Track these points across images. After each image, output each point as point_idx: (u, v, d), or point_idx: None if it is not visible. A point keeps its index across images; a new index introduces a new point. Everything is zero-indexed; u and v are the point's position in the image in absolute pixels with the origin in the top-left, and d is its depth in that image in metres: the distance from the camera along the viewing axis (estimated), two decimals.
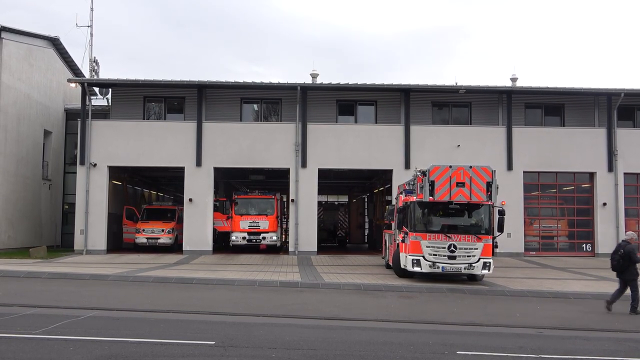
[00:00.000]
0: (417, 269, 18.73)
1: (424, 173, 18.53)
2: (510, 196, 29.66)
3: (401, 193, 21.61)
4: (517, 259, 28.92)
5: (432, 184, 18.12)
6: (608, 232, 30.12)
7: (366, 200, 46.43)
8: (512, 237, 29.76)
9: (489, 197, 18.27)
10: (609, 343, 10.95)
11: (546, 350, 9.88)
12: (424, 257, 18.61)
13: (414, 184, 19.72)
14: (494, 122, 31.52)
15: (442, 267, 18.58)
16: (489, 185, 18.16)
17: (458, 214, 18.94)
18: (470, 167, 18.31)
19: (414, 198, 19.23)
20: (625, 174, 30.42)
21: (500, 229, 19.28)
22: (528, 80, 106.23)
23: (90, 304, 13.32)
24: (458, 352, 9.46)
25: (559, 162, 30.33)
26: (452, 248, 18.49)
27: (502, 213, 19.38)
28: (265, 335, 10.45)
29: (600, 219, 30.26)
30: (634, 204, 31.10)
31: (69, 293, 15.29)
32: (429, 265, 18.56)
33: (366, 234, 45.68)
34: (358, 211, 46.82)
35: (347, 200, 51.42)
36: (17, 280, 17.79)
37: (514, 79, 34.41)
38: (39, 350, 8.87)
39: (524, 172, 30.31)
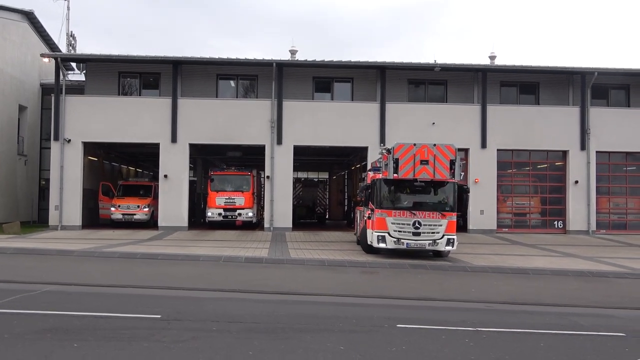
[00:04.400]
0: (382, 245, 18.96)
1: (388, 151, 18.69)
2: (484, 174, 30.16)
3: (370, 170, 21.78)
4: (489, 235, 29.27)
5: (396, 161, 18.29)
6: (580, 209, 30.55)
7: (346, 177, 46.61)
8: (485, 214, 30.14)
9: (452, 175, 18.45)
10: (552, 317, 11.21)
11: (486, 324, 10.11)
12: (389, 233, 18.83)
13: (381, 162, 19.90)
14: (469, 100, 31.66)
15: (407, 244, 18.82)
16: (452, 163, 18.34)
17: (423, 192, 19.13)
18: (434, 145, 18.48)
19: (380, 175, 19.41)
20: (597, 152, 30.74)
21: (464, 206, 19.59)
22: (507, 58, 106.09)
23: (48, 279, 13.44)
24: (398, 325, 9.67)
25: (532, 140, 30.58)
26: (416, 225, 18.71)
27: (466, 191, 19.65)
28: (214, 310, 10.63)
29: (572, 196, 30.62)
30: (606, 182, 31.50)
31: (30, 268, 15.41)
32: (394, 241, 18.79)
33: (346, 210, 45.91)
34: (338, 188, 47.04)
35: (327, 177, 51.60)
36: None
37: (492, 57, 34.57)
38: None
39: (498, 149, 30.55)
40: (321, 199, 43.04)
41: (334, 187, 47.49)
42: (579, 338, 9.36)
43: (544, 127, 30.50)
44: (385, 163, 18.74)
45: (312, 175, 53.97)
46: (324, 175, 52.94)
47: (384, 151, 19.18)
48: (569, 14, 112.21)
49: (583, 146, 30.56)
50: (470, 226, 30.09)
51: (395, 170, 18.33)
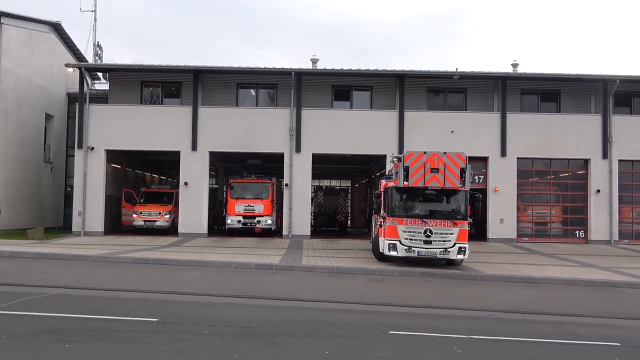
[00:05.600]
0: (393, 253, 18.98)
1: (399, 159, 18.73)
2: (503, 182, 29.95)
3: (383, 179, 21.84)
4: (508, 244, 29.01)
5: (406, 169, 18.32)
6: (602, 219, 30.12)
7: (367, 185, 46.63)
8: (505, 223, 29.91)
9: (463, 183, 18.41)
10: (551, 326, 11.15)
11: (481, 332, 10.11)
12: (400, 241, 18.83)
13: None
14: (489, 108, 31.49)
15: (418, 252, 18.80)
16: (462, 171, 18.30)
17: (434, 200, 19.11)
18: (445, 153, 18.46)
19: (391, 184, 19.45)
20: (620, 160, 30.30)
21: (477, 214, 19.55)
22: (530, 66, 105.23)
23: (58, 283, 13.79)
24: (390, 332, 9.72)
25: (553, 148, 30.28)
26: (427, 233, 18.68)
27: (478, 199, 19.59)
28: (212, 314, 10.82)
29: (594, 205, 30.21)
30: (628, 191, 30.98)
31: (43, 272, 15.80)
32: (405, 249, 18.79)
33: (367, 218, 45.89)
34: (360, 196, 47.05)
35: (350, 185, 51.68)
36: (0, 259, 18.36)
37: (515, 65, 34.45)
38: None
39: (518, 158, 30.30)
40: (343, 207, 43.07)
41: (356, 195, 47.54)
42: (571, 347, 9.31)
43: (565, 135, 30.19)
44: (396, 171, 18.79)
45: (335, 183, 54.11)
46: (347, 183, 53.01)
47: (394, 159, 19.23)
48: (592, 21, 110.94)
49: (605, 154, 30.16)
50: (490, 235, 29.90)
51: (406, 178, 18.36)
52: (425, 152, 18.46)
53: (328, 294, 14.09)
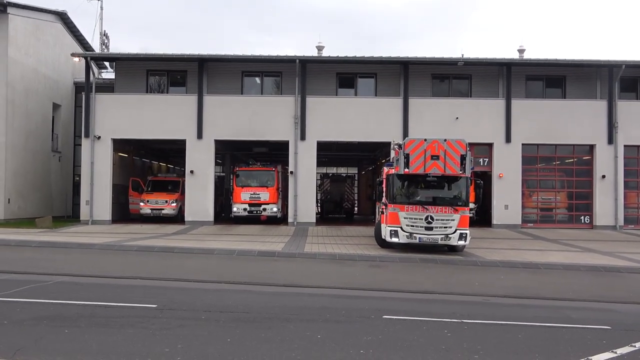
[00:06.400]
0: (394, 239, 19.15)
1: (400, 146, 18.86)
2: (508, 168, 30.00)
3: (385, 166, 21.97)
4: (513, 230, 29.10)
5: (407, 156, 18.45)
6: (607, 204, 30.14)
7: (373, 172, 46.73)
8: (510, 209, 29.99)
9: (464, 170, 18.51)
10: (545, 310, 11.30)
11: (475, 316, 10.27)
12: (401, 228, 19.00)
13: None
14: (494, 94, 31.48)
15: (419, 238, 18.95)
16: (463, 158, 18.40)
17: (435, 186, 19.24)
18: (445, 140, 18.57)
19: (392, 171, 19.58)
20: (625, 146, 30.28)
21: (478, 200, 19.69)
22: (536, 52, 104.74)
23: (63, 271, 14.08)
24: (384, 316, 9.90)
25: (558, 134, 30.25)
26: (429, 219, 18.82)
27: (479, 186, 19.71)
28: (211, 300, 11.04)
29: (599, 191, 30.22)
30: (634, 177, 30.96)
31: (49, 261, 16.12)
32: (407, 235, 18.95)
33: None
34: (367, 183, 47.09)
35: (356, 172, 51.80)
36: (7, 248, 18.70)
37: (521, 50, 34.39)
38: None
39: (523, 144, 30.31)
40: (349, 194, 43.24)
41: (363, 182, 47.67)
42: (560, 330, 9.44)
43: (570, 121, 30.14)
44: (397, 158, 18.93)
45: (342, 170, 54.22)
46: (353, 171, 53.13)
47: (395, 147, 19.38)
48: (599, 6, 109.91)
49: (610, 140, 30.11)
50: (495, 221, 29.99)
51: (407, 166, 18.49)
52: (425, 139, 18.58)
53: (328, 280, 14.29)
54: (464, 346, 8.23)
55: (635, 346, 8.47)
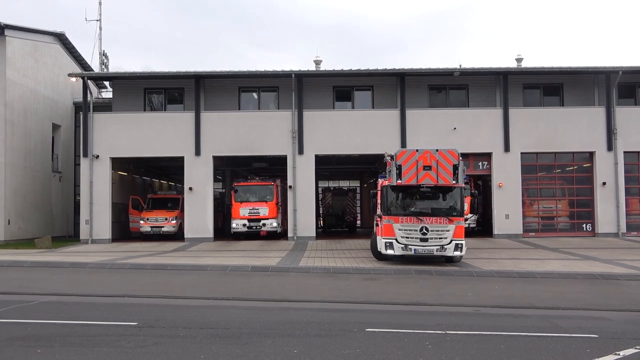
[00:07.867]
0: (390, 251, 18.99)
1: (392, 157, 18.74)
2: (508, 178, 29.82)
3: (380, 178, 21.85)
4: (514, 240, 28.84)
5: (399, 168, 18.33)
6: (608, 211, 29.86)
7: (375, 184, 46.64)
8: (510, 219, 29.73)
9: (456, 180, 18.37)
10: (534, 320, 11.08)
11: (459, 327, 10.08)
12: (396, 239, 18.85)
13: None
14: (491, 104, 31.37)
15: (415, 250, 18.80)
16: (455, 168, 18.26)
17: (429, 197, 19.10)
18: (437, 150, 18.44)
19: (386, 182, 19.46)
20: (625, 152, 30.05)
21: (473, 210, 19.51)
22: (535, 60, 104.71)
23: (51, 290, 13.99)
24: (367, 329, 9.74)
25: (557, 142, 30.08)
26: (424, 230, 18.66)
27: (474, 196, 19.54)
28: (193, 317, 10.88)
29: (600, 198, 29.95)
30: (635, 183, 30.70)
31: (38, 280, 16.02)
32: (402, 247, 18.80)
33: None
34: (369, 195, 46.98)
35: (358, 185, 51.69)
36: None
37: (519, 60, 34.32)
38: None
39: (522, 153, 30.13)
40: (351, 207, 43.08)
41: (365, 195, 47.50)
42: (545, 339, 9.25)
43: (569, 128, 29.97)
44: (389, 170, 18.81)
45: (344, 183, 54.10)
46: (355, 184, 53.01)
47: (388, 158, 19.25)
48: (595, 12, 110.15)
49: (610, 147, 29.88)
50: (496, 231, 29.72)
51: (399, 177, 18.37)
52: (417, 150, 18.47)
53: (317, 294, 14.14)
54: (442, 357, 8.06)
55: (619, 354, 8.29)
